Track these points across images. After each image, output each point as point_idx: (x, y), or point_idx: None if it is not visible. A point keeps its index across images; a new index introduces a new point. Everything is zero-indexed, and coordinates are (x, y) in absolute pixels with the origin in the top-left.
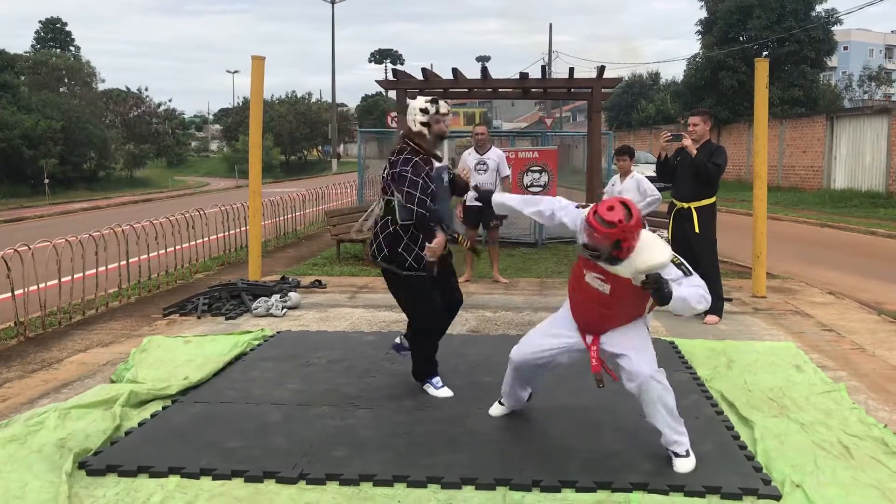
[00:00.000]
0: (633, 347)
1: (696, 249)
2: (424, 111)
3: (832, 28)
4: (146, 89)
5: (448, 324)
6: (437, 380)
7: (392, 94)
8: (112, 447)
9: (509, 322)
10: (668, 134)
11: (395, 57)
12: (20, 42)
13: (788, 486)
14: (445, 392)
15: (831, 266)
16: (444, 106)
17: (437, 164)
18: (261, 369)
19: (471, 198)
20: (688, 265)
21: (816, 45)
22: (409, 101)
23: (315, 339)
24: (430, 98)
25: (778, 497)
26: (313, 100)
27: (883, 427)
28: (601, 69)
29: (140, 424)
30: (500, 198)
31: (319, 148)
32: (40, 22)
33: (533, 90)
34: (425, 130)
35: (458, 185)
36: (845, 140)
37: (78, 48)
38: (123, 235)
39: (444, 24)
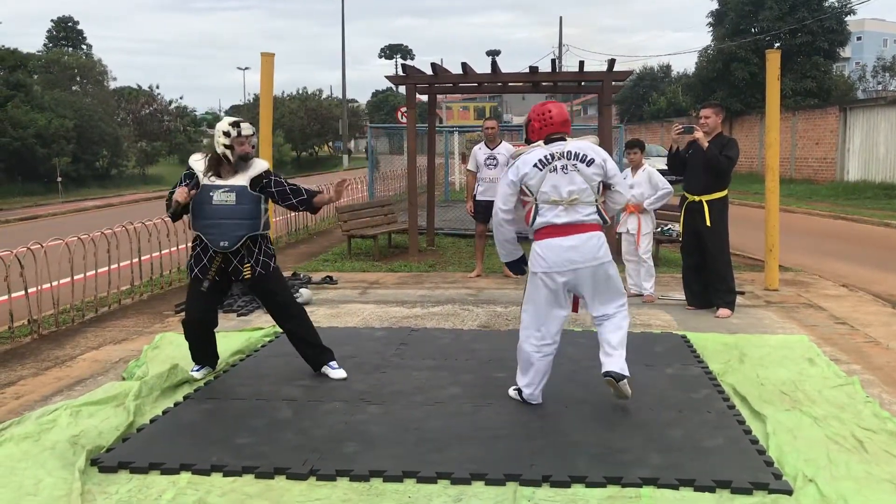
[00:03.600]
0: None
1: (707, 243)
2: (227, 134)
3: (845, 18)
4: (157, 87)
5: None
6: (334, 362)
7: (402, 89)
8: (124, 444)
9: (520, 317)
10: (680, 126)
11: (404, 52)
12: (33, 41)
13: (801, 481)
14: (341, 373)
15: (845, 258)
16: (246, 128)
17: (204, 182)
18: (271, 366)
19: (480, 192)
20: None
21: (829, 35)
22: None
23: (326, 336)
24: (232, 121)
25: (789, 492)
26: (324, 96)
27: None
28: (612, 62)
29: (151, 421)
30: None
31: (330, 144)
32: (52, 21)
33: (543, 84)
34: (228, 153)
35: (312, 205)
36: (859, 131)
37: (90, 46)
38: (136, 233)
39: (453, 18)
